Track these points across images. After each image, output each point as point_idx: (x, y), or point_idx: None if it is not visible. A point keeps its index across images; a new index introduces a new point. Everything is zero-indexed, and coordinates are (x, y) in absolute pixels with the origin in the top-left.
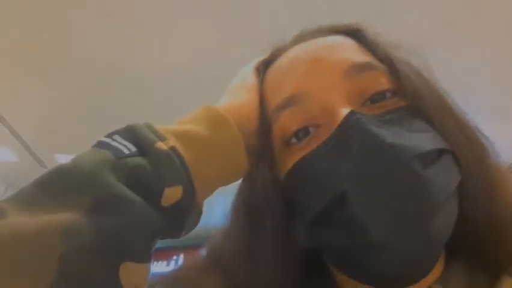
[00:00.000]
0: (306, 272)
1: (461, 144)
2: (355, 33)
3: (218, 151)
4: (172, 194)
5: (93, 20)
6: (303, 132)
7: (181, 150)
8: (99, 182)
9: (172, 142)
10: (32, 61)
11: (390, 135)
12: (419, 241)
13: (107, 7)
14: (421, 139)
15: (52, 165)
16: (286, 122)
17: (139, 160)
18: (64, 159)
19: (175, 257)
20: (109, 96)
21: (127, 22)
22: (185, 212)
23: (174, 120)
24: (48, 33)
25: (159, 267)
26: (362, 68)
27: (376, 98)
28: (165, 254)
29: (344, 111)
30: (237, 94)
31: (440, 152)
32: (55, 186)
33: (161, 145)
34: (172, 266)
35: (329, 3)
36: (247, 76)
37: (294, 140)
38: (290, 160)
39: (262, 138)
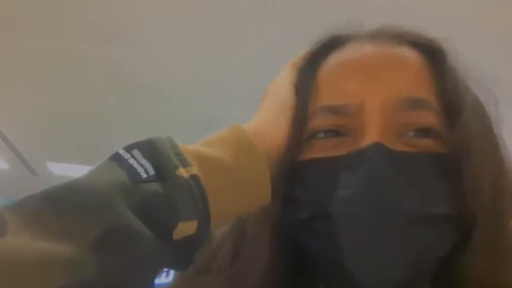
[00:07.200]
0: (293, 282)
1: (485, 215)
2: (433, 52)
3: (242, 182)
4: (185, 228)
5: (85, 28)
6: (332, 133)
7: (202, 179)
8: (110, 209)
9: (195, 169)
10: (24, 69)
11: (398, 186)
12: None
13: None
14: (434, 199)
15: (43, 174)
16: (325, 123)
17: (156, 187)
18: (55, 167)
19: None
20: (102, 104)
21: (122, 33)
22: (197, 246)
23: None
24: (40, 41)
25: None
26: (416, 105)
27: (418, 134)
28: None
29: (371, 138)
30: (271, 114)
31: (443, 217)
32: (64, 204)
33: (182, 172)
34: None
35: None
36: (285, 90)
37: (321, 134)
38: (307, 153)
39: (296, 129)
